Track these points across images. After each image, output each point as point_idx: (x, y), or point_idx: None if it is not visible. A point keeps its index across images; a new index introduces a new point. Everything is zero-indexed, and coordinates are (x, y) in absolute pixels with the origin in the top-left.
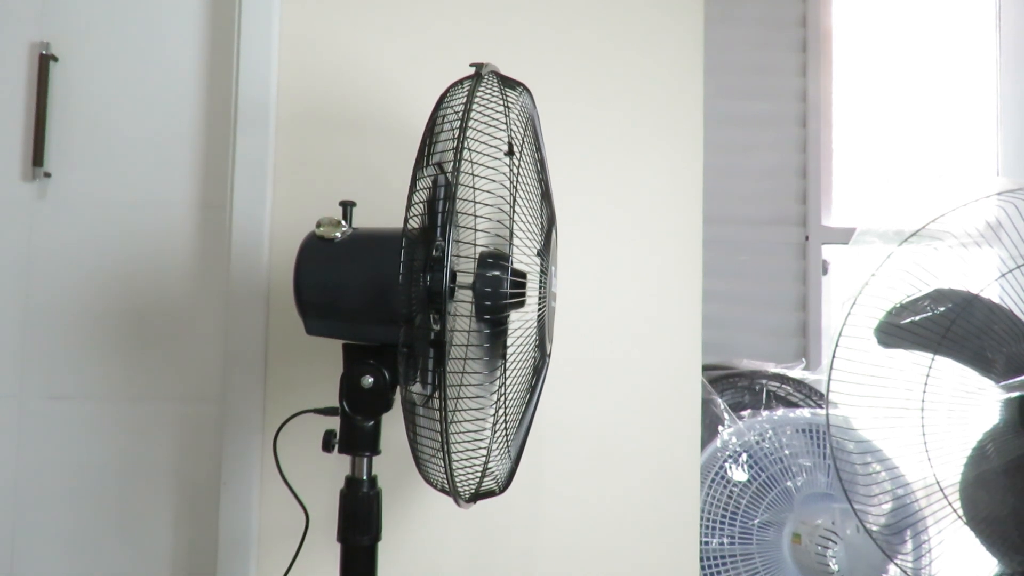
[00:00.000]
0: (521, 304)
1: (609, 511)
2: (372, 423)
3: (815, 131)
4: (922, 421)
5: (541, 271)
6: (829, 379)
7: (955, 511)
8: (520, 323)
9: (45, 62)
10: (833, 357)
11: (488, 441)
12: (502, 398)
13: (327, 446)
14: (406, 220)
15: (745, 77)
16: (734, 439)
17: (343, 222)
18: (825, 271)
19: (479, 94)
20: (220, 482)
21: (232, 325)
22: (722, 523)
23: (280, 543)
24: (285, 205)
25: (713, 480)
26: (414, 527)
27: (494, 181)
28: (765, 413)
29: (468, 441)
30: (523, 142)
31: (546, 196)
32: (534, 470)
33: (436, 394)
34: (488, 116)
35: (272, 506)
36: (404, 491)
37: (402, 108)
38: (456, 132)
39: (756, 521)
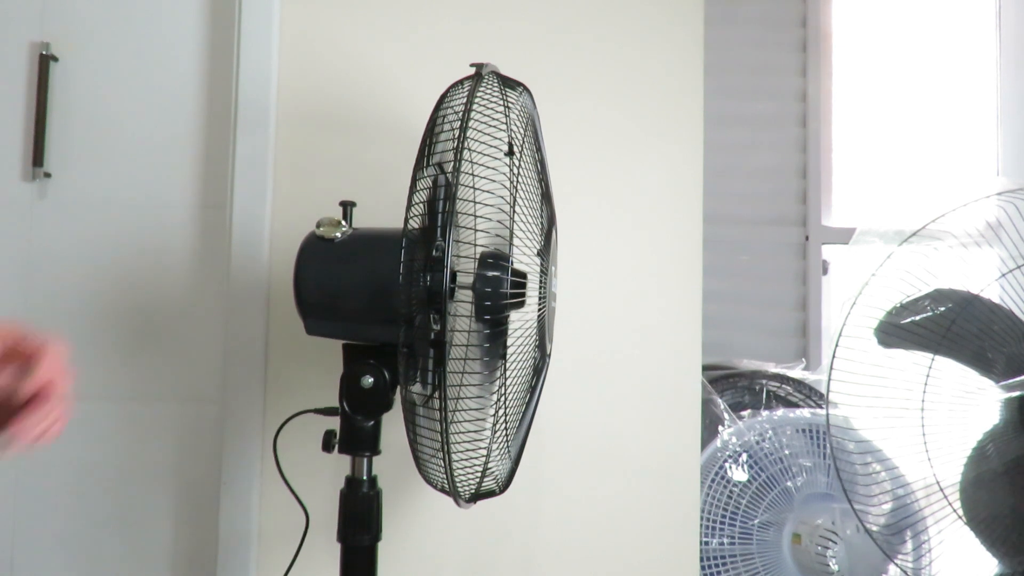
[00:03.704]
0: (521, 304)
1: (609, 511)
2: (372, 423)
3: (815, 131)
4: (922, 421)
5: (541, 271)
6: (829, 379)
7: (955, 511)
8: (520, 323)
9: (45, 62)
10: (833, 357)
11: (488, 441)
12: (502, 398)
13: (327, 446)
14: (406, 220)
15: (745, 77)
16: (734, 439)
17: (343, 222)
18: (825, 271)
19: (479, 94)
20: (220, 482)
21: (232, 325)
22: (722, 523)
23: (280, 543)
24: (285, 205)
25: (713, 480)
26: (414, 527)
27: (494, 181)
28: (765, 413)
29: (468, 441)
30: (523, 142)
31: (546, 196)
32: (534, 470)
33: (436, 394)
34: (488, 116)
35: (272, 506)
36: (404, 491)
37: (402, 108)
38: (456, 132)
39: (756, 521)
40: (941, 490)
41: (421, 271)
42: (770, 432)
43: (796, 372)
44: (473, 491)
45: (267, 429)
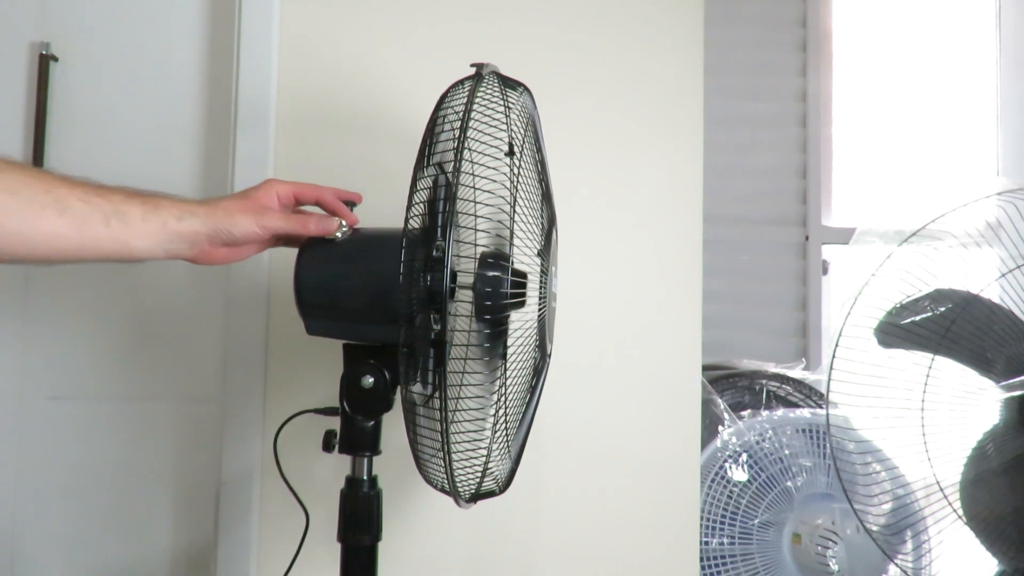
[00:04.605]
0: (521, 304)
1: (609, 511)
2: (372, 423)
3: (815, 131)
4: (922, 421)
5: (541, 271)
6: (829, 379)
7: (955, 511)
8: (520, 323)
9: (45, 62)
10: (833, 357)
11: (488, 441)
12: (502, 398)
13: (327, 446)
14: (406, 220)
15: (745, 77)
16: (734, 439)
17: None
18: (825, 271)
19: (480, 94)
20: (220, 482)
21: (232, 325)
22: (722, 523)
23: (280, 543)
24: None
25: (713, 480)
26: (414, 527)
27: (495, 181)
28: (765, 413)
29: (468, 441)
30: (524, 142)
31: (547, 196)
32: (534, 470)
33: (436, 394)
34: (489, 116)
35: (272, 506)
36: (404, 491)
37: (402, 108)
38: (457, 132)
39: (756, 521)
40: (941, 490)
41: (421, 271)
42: (770, 432)
43: (796, 372)
44: (473, 491)
45: (267, 429)
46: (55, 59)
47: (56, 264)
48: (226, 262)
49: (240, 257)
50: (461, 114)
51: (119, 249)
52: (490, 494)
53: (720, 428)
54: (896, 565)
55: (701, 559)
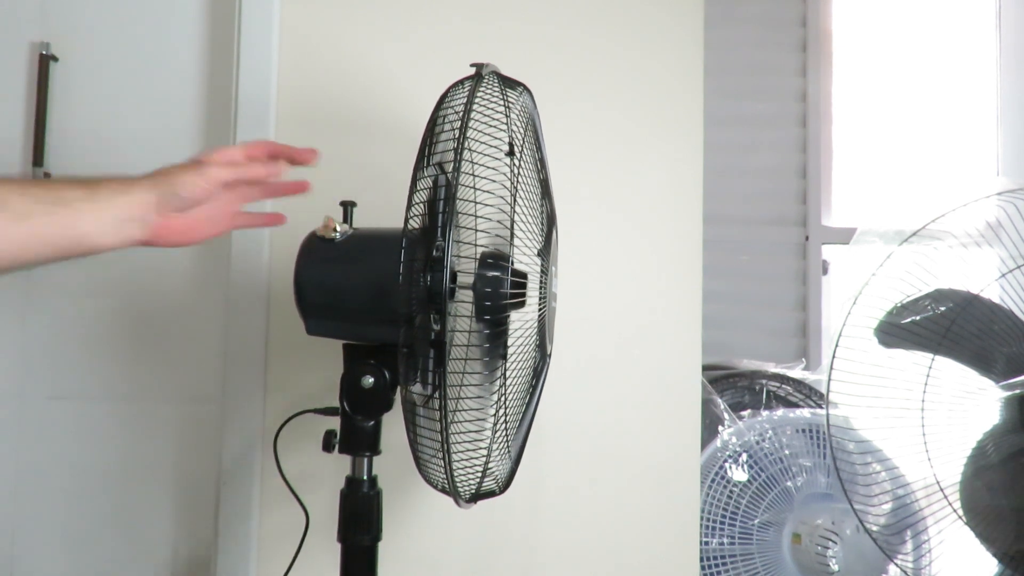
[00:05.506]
0: (521, 304)
1: (609, 511)
2: (372, 423)
3: (815, 131)
4: (922, 421)
5: (541, 271)
6: (829, 379)
7: (955, 511)
8: (520, 323)
9: (45, 62)
10: (833, 357)
11: (488, 441)
12: (502, 398)
13: (327, 446)
14: (406, 220)
15: (745, 77)
16: (734, 439)
17: (343, 222)
18: (825, 271)
19: (480, 94)
20: (220, 482)
21: (232, 325)
22: (722, 523)
23: (280, 543)
24: (285, 205)
25: (713, 480)
26: (414, 527)
27: (495, 181)
28: (765, 413)
29: (468, 441)
30: (523, 142)
31: (547, 196)
32: (534, 470)
33: (436, 394)
34: (489, 116)
35: (272, 506)
36: (404, 491)
37: (403, 108)
38: (457, 132)
39: (756, 521)
40: (941, 490)
41: (421, 271)
42: (770, 432)
43: (796, 372)
44: (473, 491)
45: (267, 429)
46: (55, 59)
47: (6, 271)
48: (185, 239)
49: (198, 234)
50: (461, 114)
51: (69, 236)
52: (490, 494)
53: (720, 428)
54: (896, 565)
55: (701, 559)
